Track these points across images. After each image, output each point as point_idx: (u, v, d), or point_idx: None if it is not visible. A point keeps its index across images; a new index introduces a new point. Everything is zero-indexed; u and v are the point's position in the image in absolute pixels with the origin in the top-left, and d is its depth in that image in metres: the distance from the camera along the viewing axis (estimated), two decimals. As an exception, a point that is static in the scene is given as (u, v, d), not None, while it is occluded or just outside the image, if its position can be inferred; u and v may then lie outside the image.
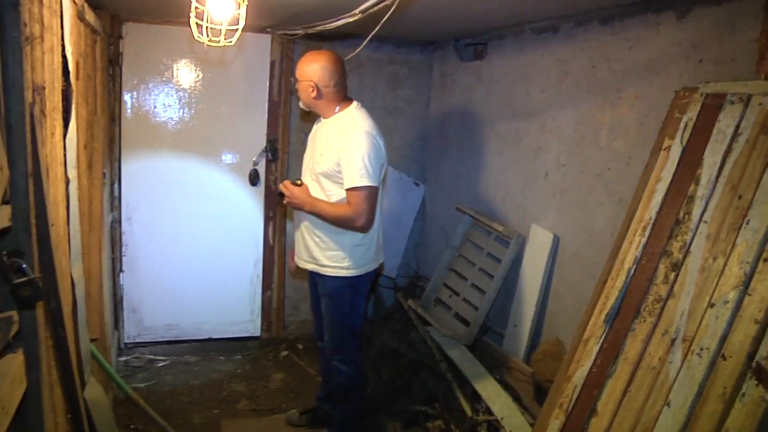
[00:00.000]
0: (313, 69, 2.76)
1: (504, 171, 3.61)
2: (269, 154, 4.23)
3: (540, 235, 3.21)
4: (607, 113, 2.75)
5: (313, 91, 2.78)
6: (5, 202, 1.17)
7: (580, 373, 2.31)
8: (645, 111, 2.54)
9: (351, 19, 2.47)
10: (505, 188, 3.59)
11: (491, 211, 3.72)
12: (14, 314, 1.25)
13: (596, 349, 2.28)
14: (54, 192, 1.64)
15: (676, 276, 2.10)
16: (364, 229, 2.80)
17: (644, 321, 2.16)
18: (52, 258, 1.46)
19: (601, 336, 2.28)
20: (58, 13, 1.81)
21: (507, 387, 3.14)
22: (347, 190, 2.73)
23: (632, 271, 2.26)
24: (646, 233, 2.26)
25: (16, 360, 1.23)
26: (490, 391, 3.08)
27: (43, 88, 1.52)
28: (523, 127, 3.40)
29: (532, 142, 3.32)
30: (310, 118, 3.11)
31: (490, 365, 3.31)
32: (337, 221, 2.80)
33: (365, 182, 2.69)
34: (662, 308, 2.12)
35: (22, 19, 1.21)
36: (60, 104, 1.86)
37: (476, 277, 3.62)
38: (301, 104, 2.94)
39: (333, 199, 2.81)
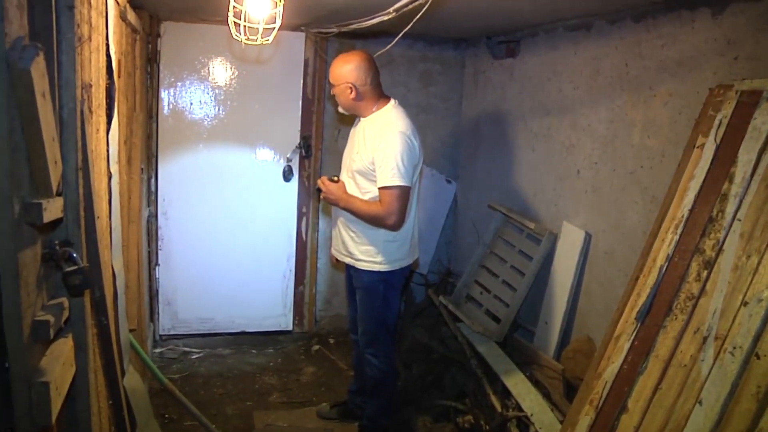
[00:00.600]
0: (348, 70, 2.80)
1: (536, 168, 3.61)
2: (303, 151, 4.29)
3: (572, 233, 3.20)
4: (639, 111, 2.73)
5: (351, 92, 2.81)
6: (58, 194, 1.23)
7: (610, 369, 2.31)
8: (678, 109, 2.53)
9: (385, 18, 2.49)
10: (537, 186, 3.59)
11: (523, 209, 3.72)
12: (65, 301, 1.32)
13: (627, 346, 2.28)
14: (98, 186, 1.71)
15: (709, 274, 2.09)
16: (395, 227, 2.84)
17: (676, 318, 2.15)
18: (97, 249, 1.52)
19: (632, 333, 2.28)
20: (104, 14, 1.88)
21: (537, 384, 3.15)
22: (380, 188, 2.77)
23: (664, 268, 2.25)
24: (679, 231, 2.25)
25: (67, 344, 1.30)
26: (520, 387, 3.09)
27: (91, 86, 1.58)
28: (555, 125, 3.39)
29: (564, 140, 3.31)
30: (345, 117, 3.14)
31: (521, 362, 3.32)
32: (368, 219, 2.84)
33: (397, 182, 2.72)
34: (694, 306, 2.11)
35: (76, 20, 1.27)
36: (104, 101, 1.93)
37: (507, 274, 3.62)
38: (340, 109, 2.98)
39: (367, 197, 2.85)
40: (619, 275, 2.84)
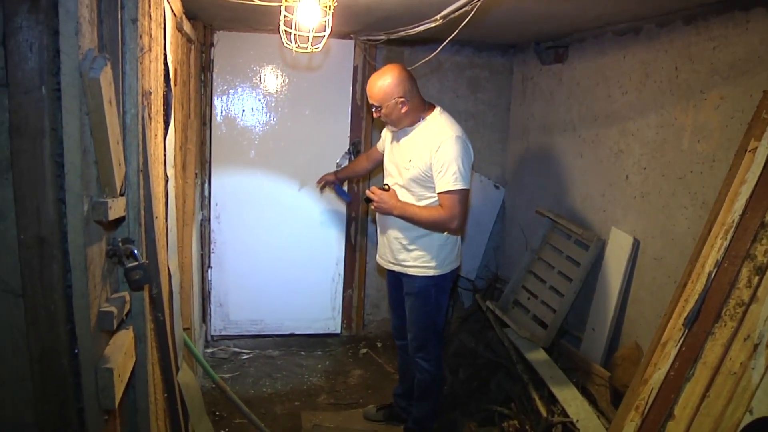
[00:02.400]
0: (392, 85, 2.80)
1: (584, 174, 3.59)
2: (352, 156, 4.37)
3: (620, 239, 3.18)
4: (690, 115, 2.70)
5: (403, 106, 2.82)
6: (121, 194, 1.32)
7: (657, 376, 2.30)
8: (730, 112, 2.49)
9: (432, 25, 2.53)
10: (585, 191, 3.57)
11: (571, 214, 3.71)
12: (126, 295, 1.41)
13: (674, 352, 2.26)
14: (156, 188, 1.80)
15: (760, 280, 2.06)
16: (457, 230, 2.88)
17: (725, 325, 2.13)
18: (155, 248, 1.61)
19: (680, 339, 2.26)
20: (162, 25, 1.98)
21: (583, 390, 3.13)
22: (440, 193, 2.79)
23: (713, 274, 2.22)
24: (729, 236, 2.22)
25: (128, 336, 1.38)
26: (566, 393, 3.08)
27: (150, 93, 1.68)
28: (604, 130, 3.38)
29: (612, 145, 3.29)
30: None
31: (567, 368, 3.31)
32: (429, 224, 2.87)
33: (459, 185, 2.75)
34: (744, 312, 2.08)
35: (138, 32, 1.37)
36: (162, 108, 2.04)
37: (555, 279, 3.61)
38: (390, 127, 3.00)
39: (423, 203, 2.88)
40: (669, 282, 2.80)
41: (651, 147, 2.97)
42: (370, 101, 2.89)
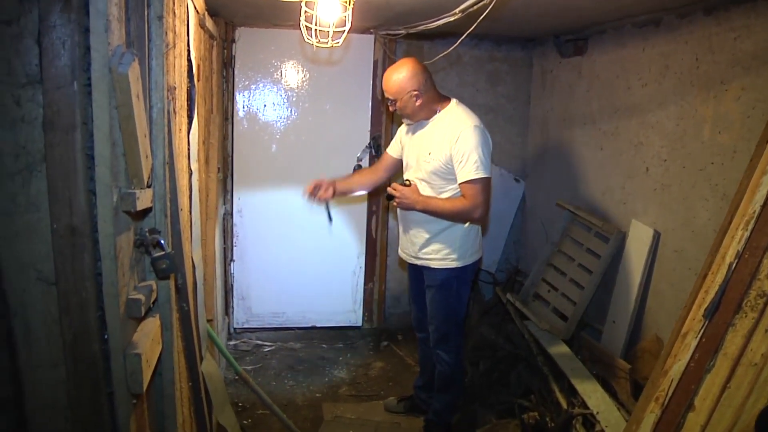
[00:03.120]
0: (407, 78, 2.82)
1: (604, 166, 3.59)
2: (373, 150, 4.40)
3: (640, 231, 3.18)
4: (710, 106, 2.69)
5: (417, 99, 2.85)
6: (148, 186, 1.36)
7: (677, 367, 2.30)
8: (751, 103, 2.48)
9: (451, 18, 2.55)
10: (606, 184, 3.57)
11: (591, 207, 3.71)
12: (153, 284, 1.46)
13: (694, 343, 2.26)
14: (181, 181, 1.85)
15: (781, 271, 2.05)
16: (481, 219, 2.90)
17: (746, 316, 2.12)
18: (180, 239, 1.66)
19: (700, 330, 2.25)
20: (186, 22, 2.03)
21: (604, 382, 3.13)
22: (462, 183, 2.80)
23: (734, 265, 2.22)
24: (750, 227, 2.21)
25: (155, 323, 1.43)
26: (587, 385, 3.09)
27: (175, 88, 1.72)
28: (624, 123, 3.37)
29: (632, 137, 3.29)
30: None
31: (587, 360, 3.31)
32: (453, 216, 2.89)
33: (481, 174, 2.77)
34: (766, 304, 2.07)
35: (164, 29, 1.41)
36: (185, 103, 2.08)
37: (575, 272, 3.62)
38: (405, 120, 3.02)
39: (445, 195, 2.90)
40: (690, 274, 2.80)
41: (671, 139, 2.96)
42: (386, 95, 2.92)
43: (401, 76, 2.83)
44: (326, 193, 3.13)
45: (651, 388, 2.40)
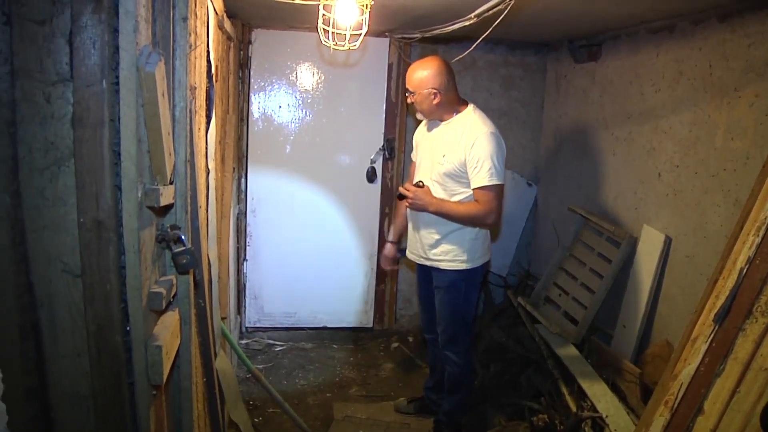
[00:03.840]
0: (430, 75, 2.86)
1: (616, 172, 3.60)
2: (386, 153, 4.43)
3: (652, 236, 3.19)
4: (723, 113, 2.70)
5: (435, 97, 2.87)
6: (170, 182, 1.40)
7: (686, 371, 2.31)
8: (765, 110, 2.49)
9: (467, 23, 2.58)
10: (618, 189, 3.58)
11: (603, 212, 3.72)
12: (173, 278, 1.49)
13: (704, 348, 2.27)
14: (199, 180, 1.89)
15: (792, 277, 2.06)
16: (493, 225, 2.93)
17: (756, 321, 2.13)
18: (199, 235, 1.70)
19: (710, 335, 2.26)
20: (206, 24, 2.07)
21: (613, 386, 3.14)
22: (476, 189, 2.83)
23: (745, 270, 2.22)
24: (761, 233, 2.22)
25: (175, 317, 1.47)
26: (596, 389, 3.10)
27: (195, 88, 1.76)
28: (637, 128, 3.38)
29: (645, 143, 3.30)
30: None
31: (597, 364, 3.32)
32: (465, 220, 2.91)
33: (495, 181, 2.79)
34: (776, 309, 2.09)
35: (188, 29, 1.45)
36: (204, 103, 2.12)
37: (586, 276, 3.63)
38: (419, 116, 3.03)
39: (457, 199, 2.92)
40: (701, 279, 2.80)
41: (684, 145, 2.98)
42: (406, 86, 2.96)
43: (425, 71, 2.87)
44: (392, 251, 3.41)
45: (660, 391, 2.42)
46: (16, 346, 1.23)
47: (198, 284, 1.82)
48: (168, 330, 1.35)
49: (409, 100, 2.99)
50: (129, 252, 1.19)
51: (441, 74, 2.86)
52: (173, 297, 1.51)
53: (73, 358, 1.25)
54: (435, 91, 2.86)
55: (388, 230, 3.51)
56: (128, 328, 1.23)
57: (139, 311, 1.23)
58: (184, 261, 1.38)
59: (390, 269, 3.40)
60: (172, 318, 1.43)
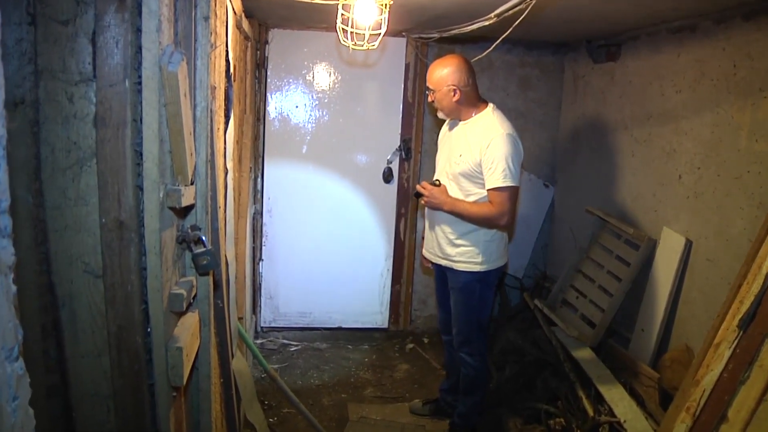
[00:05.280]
0: (450, 72, 2.85)
1: (635, 173, 3.56)
2: (403, 153, 4.41)
3: (671, 239, 3.15)
4: (747, 114, 2.66)
5: (455, 94, 2.86)
6: (191, 182, 1.39)
7: (709, 377, 2.27)
8: (790, 111, 2.45)
9: (486, 23, 2.56)
10: (637, 191, 3.54)
11: (621, 214, 3.68)
12: (194, 279, 1.49)
13: (728, 354, 2.24)
14: (218, 180, 1.88)
15: (818, 281, 2.03)
16: (507, 227, 2.91)
17: (781, 327, 2.10)
18: (218, 236, 1.69)
19: (734, 341, 2.23)
20: (225, 23, 2.06)
21: (631, 391, 3.11)
22: (490, 190, 2.82)
23: (769, 275, 2.19)
24: (786, 237, 2.19)
25: (194, 318, 1.46)
26: (614, 393, 3.07)
27: (215, 88, 1.75)
28: (657, 129, 3.34)
29: (665, 144, 3.26)
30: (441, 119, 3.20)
31: (615, 368, 3.29)
32: (479, 220, 2.90)
33: (509, 182, 2.77)
34: (802, 315, 2.05)
35: (209, 29, 1.44)
36: (223, 103, 2.12)
37: (604, 279, 3.59)
38: (439, 114, 3.02)
39: (471, 199, 2.91)
40: (723, 284, 2.76)
41: (705, 146, 2.94)
42: (427, 83, 2.95)
43: (445, 69, 2.86)
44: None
45: (682, 397, 2.38)
46: (38, 344, 1.23)
47: (217, 285, 1.81)
48: (188, 331, 1.35)
49: (429, 99, 2.98)
50: (150, 253, 1.19)
51: (461, 71, 2.85)
52: (193, 298, 1.50)
53: (94, 358, 1.25)
54: (454, 88, 2.85)
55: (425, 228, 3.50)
56: (149, 330, 1.23)
57: (160, 313, 1.23)
58: (205, 262, 1.38)
59: (428, 266, 3.38)
60: (192, 319, 1.43)
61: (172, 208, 1.32)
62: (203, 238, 1.39)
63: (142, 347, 1.24)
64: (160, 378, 1.25)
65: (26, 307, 1.19)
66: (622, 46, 3.75)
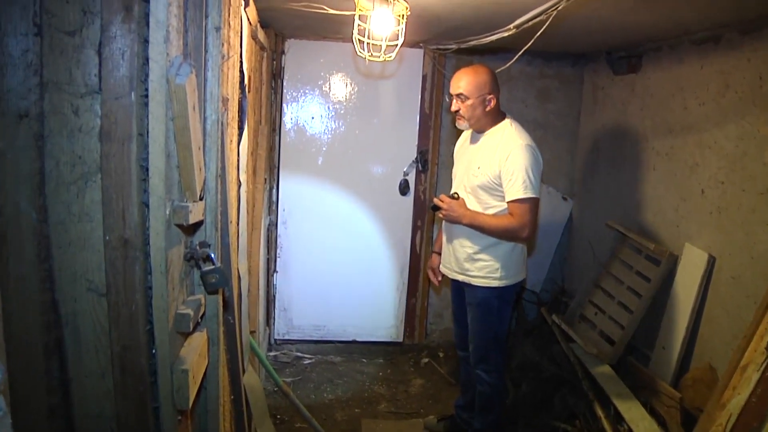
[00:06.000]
0: (486, 81, 2.80)
1: (657, 187, 3.49)
2: (419, 165, 4.37)
3: (694, 255, 3.07)
4: (774, 128, 2.59)
5: (489, 104, 2.82)
6: (200, 198, 1.35)
7: (735, 401, 2.20)
8: (819, 126, 2.38)
9: (506, 34, 2.52)
10: (658, 205, 3.47)
11: (642, 229, 3.60)
12: (202, 298, 1.45)
13: (756, 377, 2.16)
14: (230, 193, 1.84)
15: None
16: (527, 239, 2.86)
17: (812, 350, 2.02)
18: (229, 251, 1.65)
19: (762, 363, 2.15)
20: (239, 34, 2.03)
21: (652, 410, 3.03)
22: (510, 202, 2.77)
23: (799, 295, 2.12)
24: (816, 256, 2.11)
25: (202, 338, 1.42)
26: (634, 412, 2.99)
27: (227, 99, 1.72)
28: (679, 143, 3.27)
29: (687, 158, 3.18)
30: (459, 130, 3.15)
31: (635, 387, 3.21)
32: (499, 233, 2.84)
33: (529, 194, 2.72)
34: (833, 337, 1.97)
35: (221, 40, 1.41)
36: (237, 114, 2.08)
37: (624, 295, 3.52)
38: (461, 124, 2.92)
39: (490, 212, 2.85)
40: (748, 302, 2.68)
41: (730, 160, 2.86)
42: (458, 90, 2.83)
43: (481, 76, 2.80)
44: (436, 262, 3.29)
45: (707, 421, 2.31)
46: (40, 363, 1.20)
47: (227, 301, 1.77)
48: (195, 352, 1.30)
49: (455, 108, 2.88)
50: (156, 272, 1.15)
51: (493, 81, 2.83)
52: (201, 317, 1.46)
53: (98, 379, 1.21)
54: (490, 96, 2.81)
55: (435, 240, 3.42)
56: (154, 351, 1.19)
57: (165, 333, 1.19)
58: (213, 280, 1.34)
59: (436, 281, 3.30)
60: (199, 339, 1.38)
61: (179, 225, 1.28)
62: (212, 255, 1.35)
63: (147, 369, 1.19)
64: (165, 401, 1.21)
65: (29, 325, 1.17)
66: (643, 58, 3.68)
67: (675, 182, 3.30)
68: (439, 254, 3.26)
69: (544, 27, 2.12)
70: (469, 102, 2.82)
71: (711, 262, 2.96)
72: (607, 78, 4.11)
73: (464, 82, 2.81)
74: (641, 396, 3.13)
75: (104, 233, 1.13)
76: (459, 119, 2.92)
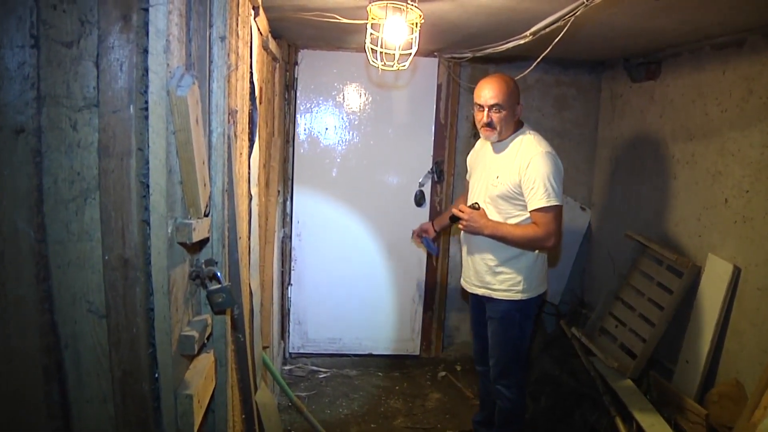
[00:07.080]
0: (516, 90, 2.79)
1: (678, 196, 3.40)
2: (435, 176, 4.31)
3: (718, 266, 2.98)
4: (801, 134, 2.51)
5: (518, 114, 2.82)
6: (205, 214, 1.30)
7: (767, 421, 2.11)
8: None
9: (522, 42, 2.47)
10: (679, 215, 3.38)
11: (663, 239, 3.52)
12: (208, 318, 1.39)
13: (785, 394, 2.07)
14: (240, 207, 1.80)
15: None
16: (554, 248, 2.80)
17: None
18: (238, 268, 1.60)
19: (792, 380, 2.07)
20: (249, 44, 1.99)
21: (676, 427, 2.93)
22: (533, 211, 2.71)
23: (830, 309, 2.03)
24: None
25: (209, 359, 1.36)
26: (657, 429, 2.89)
27: (236, 111, 1.68)
28: (701, 150, 3.19)
29: (710, 166, 3.10)
30: (476, 139, 3.09)
31: (658, 402, 3.12)
32: (524, 243, 2.77)
33: (553, 202, 2.67)
34: None
35: (227, 50, 1.36)
36: (247, 126, 2.04)
37: (645, 307, 3.43)
38: (495, 136, 2.81)
39: (511, 222, 2.80)
40: (776, 314, 2.59)
41: (755, 168, 2.77)
42: (492, 101, 2.72)
43: (511, 85, 2.77)
44: (428, 226, 3.25)
45: (735, 439, 2.22)
46: (40, 387, 1.15)
47: (237, 320, 1.72)
48: (201, 375, 1.25)
49: (486, 119, 2.76)
50: (158, 293, 1.10)
51: (518, 89, 2.82)
52: (208, 338, 1.41)
53: (99, 404, 1.16)
54: (520, 105, 2.81)
55: (441, 216, 3.41)
56: (156, 375, 1.13)
57: (168, 357, 1.13)
58: (220, 300, 1.28)
59: (416, 235, 3.28)
60: (206, 361, 1.33)
61: (182, 244, 1.23)
62: (218, 273, 1.30)
63: (149, 394, 1.14)
64: (169, 427, 1.16)
65: (28, 347, 1.13)
66: (662, 64, 3.61)
67: (697, 191, 3.22)
68: (433, 229, 3.25)
69: (562, 33, 2.06)
70: (503, 113, 2.75)
71: (736, 273, 2.87)
72: (625, 85, 4.03)
73: (499, 92, 2.72)
74: (664, 412, 3.04)
75: (103, 253, 1.08)
76: (488, 131, 2.81)
